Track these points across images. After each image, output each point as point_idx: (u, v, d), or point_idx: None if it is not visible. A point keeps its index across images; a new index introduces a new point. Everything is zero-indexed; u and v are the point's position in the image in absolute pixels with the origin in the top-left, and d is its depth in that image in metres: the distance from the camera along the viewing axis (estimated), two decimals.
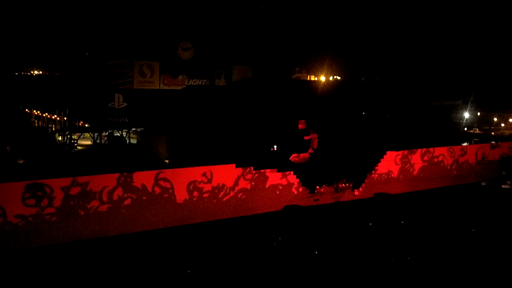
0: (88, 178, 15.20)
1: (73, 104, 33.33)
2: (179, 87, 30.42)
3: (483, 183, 27.71)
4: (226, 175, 17.98)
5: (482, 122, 72.74)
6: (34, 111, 56.79)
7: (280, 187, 19.43)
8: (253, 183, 18.64)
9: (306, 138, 21.78)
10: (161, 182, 16.55)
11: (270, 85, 28.26)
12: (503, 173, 28.42)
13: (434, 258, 16.34)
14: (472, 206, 22.96)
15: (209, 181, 17.54)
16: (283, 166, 19.89)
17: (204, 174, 17.38)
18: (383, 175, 22.89)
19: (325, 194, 20.93)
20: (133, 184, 15.97)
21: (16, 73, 58.70)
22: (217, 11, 31.39)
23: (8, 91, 51.17)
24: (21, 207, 14.10)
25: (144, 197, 16.18)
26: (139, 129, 34.90)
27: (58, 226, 14.74)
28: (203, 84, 31.29)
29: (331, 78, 49.18)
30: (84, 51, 30.07)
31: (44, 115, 55.82)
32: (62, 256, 14.57)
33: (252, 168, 18.61)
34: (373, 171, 22.61)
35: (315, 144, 21.70)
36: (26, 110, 56.78)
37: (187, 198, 17.08)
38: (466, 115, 54.40)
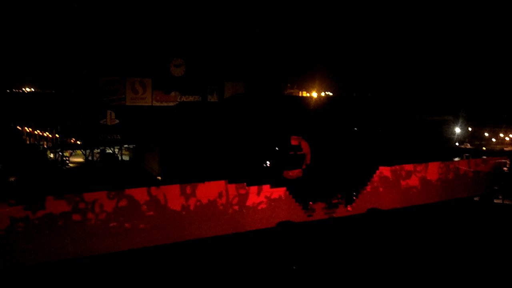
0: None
1: (65, 121, 33.22)
2: (172, 104, 30.44)
3: (475, 198, 27.76)
4: (218, 191, 17.89)
5: (473, 137, 72.99)
6: (26, 128, 56.52)
7: (273, 203, 19.34)
8: (246, 200, 18.55)
9: (299, 153, 21.78)
10: (153, 199, 16.47)
11: (262, 100, 28.22)
12: (495, 187, 28.51)
13: (428, 274, 16.29)
14: (465, 221, 22.99)
15: (201, 197, 17.45)
16: (276, 182, 19.84)
17: (195, 191, 17.29)
18: (376, 190, 22.87)
19: (318, 209, 20.88)
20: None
21: (8, 90, 58.54)
22: (209, 28, 31.57)
23: (0, 108, 51.00)
24: None
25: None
26: (131, 146, 34.72)
27: None
28: (195, 100, 31.33)
29: (322, 94, 49.41)
30: (76, 68, 30.03)
31: (36, 132, 55.55)
32: None
33: (245, 184, 18.55)
34: (366, 187, 22.60)
35: (308, 160, 21.71)
36: (18, 127, 56.47)
37: (177, 215, 16.95)
38: (458, 130, 54.74)
